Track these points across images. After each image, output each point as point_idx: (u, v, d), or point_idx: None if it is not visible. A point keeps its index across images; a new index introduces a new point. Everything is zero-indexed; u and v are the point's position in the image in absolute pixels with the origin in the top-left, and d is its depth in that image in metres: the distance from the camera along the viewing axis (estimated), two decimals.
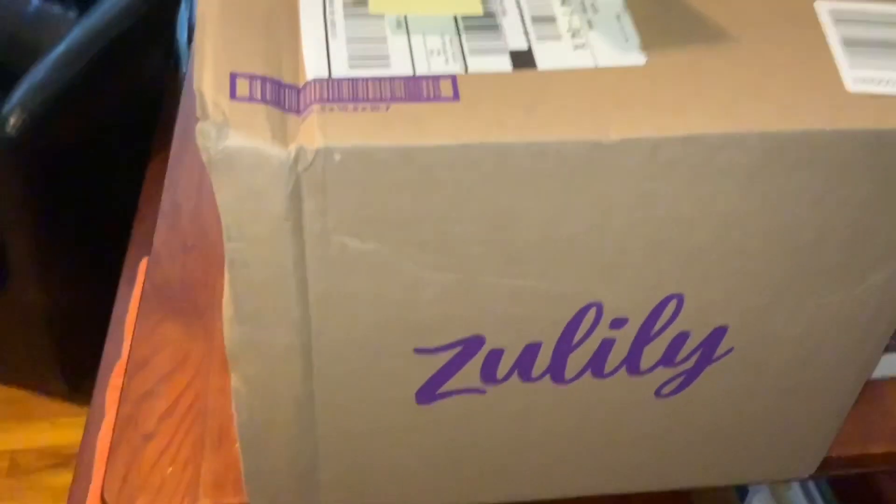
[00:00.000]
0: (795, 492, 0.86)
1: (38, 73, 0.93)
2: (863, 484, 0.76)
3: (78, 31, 0.98)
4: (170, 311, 0.52)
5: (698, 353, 0.37)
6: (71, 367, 1.11)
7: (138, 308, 0.53)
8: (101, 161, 1.04)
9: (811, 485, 0.80)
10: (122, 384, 0.48)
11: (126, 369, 0.49)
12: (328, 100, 0.29)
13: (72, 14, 1.12)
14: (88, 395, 0.74)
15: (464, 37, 0.31)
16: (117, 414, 0.47)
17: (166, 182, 0.62)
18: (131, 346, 0.51)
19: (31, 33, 1.10)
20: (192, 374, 0.48)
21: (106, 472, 0.44)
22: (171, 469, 0.44)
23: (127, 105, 1.07)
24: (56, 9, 1.13)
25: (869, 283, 0.36)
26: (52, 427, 1.16)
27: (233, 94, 0.28)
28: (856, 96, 0.31)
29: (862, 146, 0.31)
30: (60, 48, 0.95)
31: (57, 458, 1.14)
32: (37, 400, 1.16)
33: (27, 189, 0.94)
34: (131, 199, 0.90)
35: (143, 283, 0.55)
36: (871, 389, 0.50)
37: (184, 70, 1.10)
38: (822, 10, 0.33)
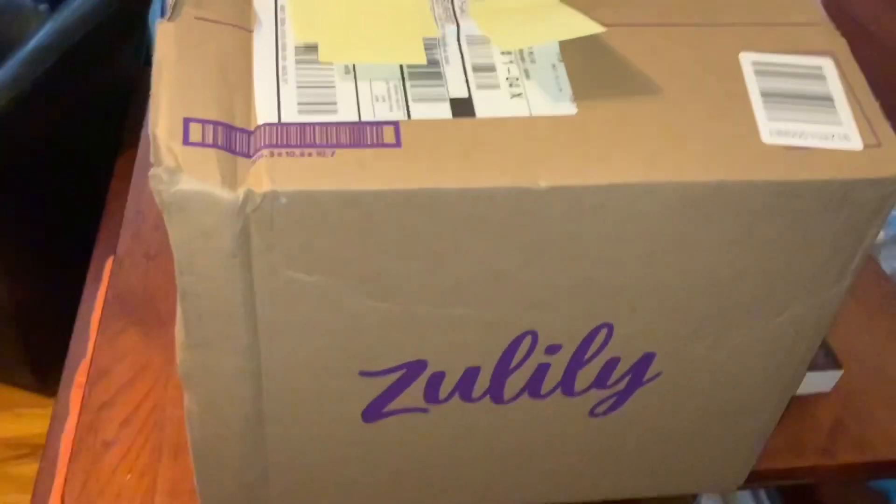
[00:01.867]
0: (744, 494, 0.90)
1: (8, 69, 0.93)
2: (807, 487, 0.80)
3: (48, 27, 0.98)
4: (131, 320, 0.54)
5: (629, 377, 0.40)
6: (37, 359, 1.12)
7: (100, 316, 0.54)
8: (70, 157, 1.05)
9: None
10: (84, 393, 0.50)
11: (87, 377, 0.51)
12: (277, 144, 0.31)
13: (42, 8, 1.12)
14: (55, 387, 0.75)
15: (408, 84, 0.33)
16: (78, 422, 0.49)
17: (131, 189, 0.64)
18: (92, 354, 0.52)
19: (1, 27, 1.10)
20: (151, 384, 0.50)
21: (66, 478, 0.46)
22: (129, 476, 0.46)
23: (97, 101, 1.07)
24: (27, 2, 1.13)
25: (787, 316, 0.38)
26: (18, 418, 1.17)
27: (185, 140, 0.30)
28: (770, 148, 0.33)
29: (774, 196, 0.33)
30: (31, 44, 0.95)
31: (24, 449, 1.14)
32: (2, 390, 1.17)
33: None
34: (101, 193, 0.91)
35: (106, 291, 0.57)
36: (800, 405, 0.53)
37: None
38: (746, 61, 0.36)
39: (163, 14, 0.32)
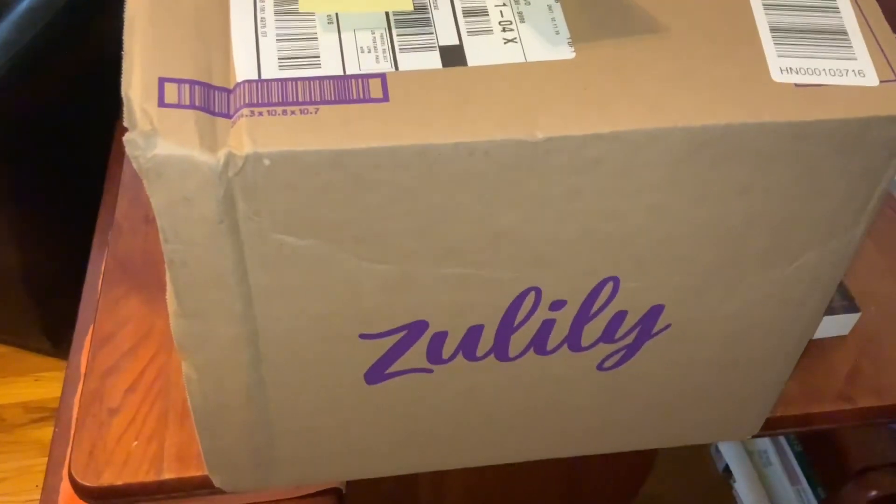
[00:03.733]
0: (763, 439, 0.89)
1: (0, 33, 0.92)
2: (826, 430, 0.79)
3: None
4: (133, 285, 0.53)
5: (637, 330, 0.38)
6: (52, 324, 1.12)
7: (101, 282, 0.54)
8: (71, 120, 1.03)
9: None
10: (87, 359, 0.50)
11: (90, 344, 0.50)
12: (257, 103, 0.29)
13: None
14: (70, 351, 0.75)
15: (395, 32, 0.31)
16: (83, 389, 0.48)
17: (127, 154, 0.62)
18: (95, 320, 0.52)
19: None
20: (155, 349, 0.49)
21: (73, 447, 0.45)
22: (135, 443, 0.46)
23: (95, 63, 1.05)
24: None
25: (799, 264, 0.37)
26: (37, 382, 1.18)
27: (161, 101, 0.28)
28: (780, 87, 0.31)
29: (785, 137, 0.31)
30: (22, 6, 0.93)
31: (43, 413, 1.16)
32: (20, 355, 1.18)
33: None
34: (104, 156, 0.90)
35: (107, 256, 0.56)
36: (818, 349, 0.52)
37: None
38: None
39: None
